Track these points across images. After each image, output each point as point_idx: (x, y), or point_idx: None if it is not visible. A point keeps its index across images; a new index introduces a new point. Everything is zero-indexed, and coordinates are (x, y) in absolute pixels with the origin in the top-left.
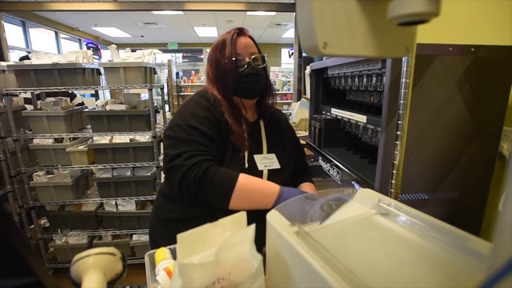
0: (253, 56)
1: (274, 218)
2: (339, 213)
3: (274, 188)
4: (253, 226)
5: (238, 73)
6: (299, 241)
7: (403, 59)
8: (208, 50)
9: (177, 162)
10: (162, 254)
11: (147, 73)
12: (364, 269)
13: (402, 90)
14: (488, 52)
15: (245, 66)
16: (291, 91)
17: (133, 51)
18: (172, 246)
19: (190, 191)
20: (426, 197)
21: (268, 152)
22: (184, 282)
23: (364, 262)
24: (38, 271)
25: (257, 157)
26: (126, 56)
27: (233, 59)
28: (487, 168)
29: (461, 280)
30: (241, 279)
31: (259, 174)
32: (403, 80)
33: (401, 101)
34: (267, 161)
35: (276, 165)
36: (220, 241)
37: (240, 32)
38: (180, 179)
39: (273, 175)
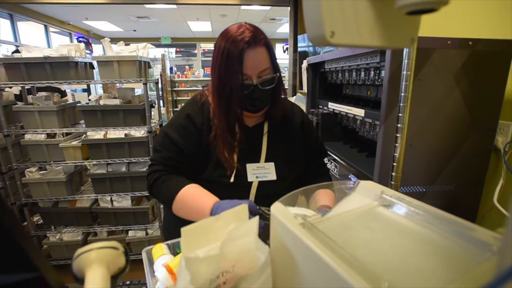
0: (260, 79)
1: (278, 211)
2: (342, 205)
3: (207, 205)
4: (256, 218)
5: (242, 94)
6: (305, 233)
7: (404, 51)
8: (202, 45)
9: (148, 169)
10: (159, 250)
11: (142, 67)
12: (370, 259)
13: (403, 83)
14: (486, 46)
15: (251, 89)
16: (286, 86)
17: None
18: (169, 242)
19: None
20: (423, 190)
21: (267, 160)
22: (191, 276)
23: (370, 252)
24: (40, 266)
25: (250, 166)
26: (120, 50)
27: (239, 82)
28: (483, 161)
29: (466, 269)
30: (244, 271)
31: (247, 186)
32: (404, 72)
33: (402, 94)
34: (261, 171)
35: (271, 176)
36: (223, 234)
37: (251, 43)
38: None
39: (264, 187)
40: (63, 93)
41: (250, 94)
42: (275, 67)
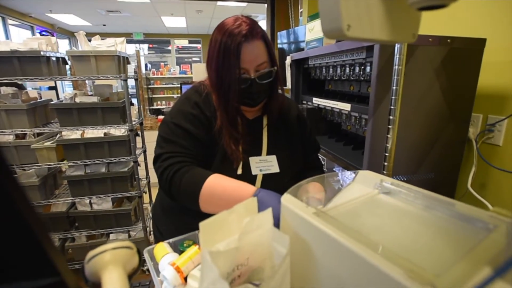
0: (258, 72)
1: (289, 201)
2: (344, 195)
3: (245, 192)
4: (269, 210)
5: (240, 88)
6: (321, 221)
7: (396, 47)
8: (176, 41)
9: (157, 163)
10: (162, 249)
11: (121, 62)
12: (385, 242)
13: (395, 77)
14: (462, 43)
15: (249, 83)
16: None
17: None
18: (170, 240)
19: (165, 193)
20: (406, 179)
21: (268, 153)
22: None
23: (383, 236)
24: (62, 270)
25: (253, 160)
26: (97, 44)
27: (237, 76)
28: (459, 150)
29: (470, 246)
30: (257, 263)
31: (252, 179)
32: (396, 67)
33: (394, 87)
34: (264, 164)
35: (274, 168)
36: (236, 228)
37: (249, 36)
38: (158, 180)
39: (269, 180)
40: (21, 88)
41: (247, 88)
42: (272, 60)
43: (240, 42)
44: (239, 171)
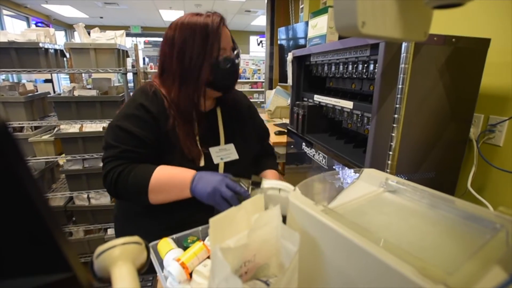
0: (235, 52)
1: (297, 199)
2: (349, 192)
3: (187, 176)
4: (278, 207)
5: (221, 70)
6: (330, 219)
7: (403, 46)
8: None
9: (103, 168)
10: (166, 245)
11: (120, 56)
12: (393, 240)
13: (401, 76)
14: (466, 43)
15: (229, 64)
16: (263, 80)
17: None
18: (174, 236)
19: (111, 194)
20: (406, 178)
21: (226, 142)
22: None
23: (390, 234)
24: (74, 266)
25: (213, 150)
26: (96, 37)
27: (220, 57)
28: (460, 150)
29: (478, 246)
30: (263, 260)
31: (214, 168)
32: (402, 65)
33: (400, 86)
34: (224, 152)
35: (233, 156)
36: (244, 224)
37: (222, 20)
38: (103, 184)
39: (230, 167)
40: None
41: (230, 67)
42: (234, 43)
43: (219, 23)
44: (202, 163)
